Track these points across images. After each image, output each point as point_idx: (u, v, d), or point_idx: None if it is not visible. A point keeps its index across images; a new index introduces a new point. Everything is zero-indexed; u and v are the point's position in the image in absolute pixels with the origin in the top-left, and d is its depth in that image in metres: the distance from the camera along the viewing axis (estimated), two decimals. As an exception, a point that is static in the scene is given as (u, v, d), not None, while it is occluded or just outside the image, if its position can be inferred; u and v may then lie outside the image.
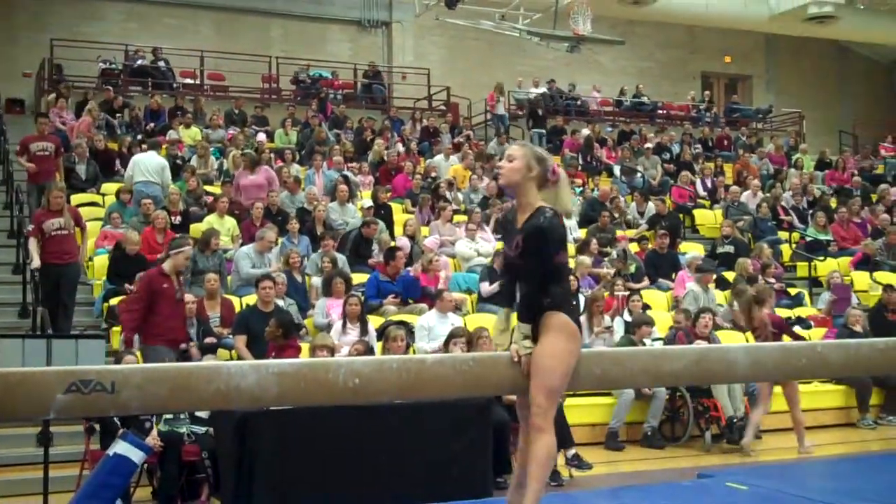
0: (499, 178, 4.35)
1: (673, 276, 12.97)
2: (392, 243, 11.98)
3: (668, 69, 26.17)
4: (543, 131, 20.48)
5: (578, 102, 22.95)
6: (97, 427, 6.96)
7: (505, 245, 4.35)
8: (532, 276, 4.12)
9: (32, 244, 9.79)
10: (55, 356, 6.57)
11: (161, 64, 19.82)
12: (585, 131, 19.95)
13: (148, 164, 12.73)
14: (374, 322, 9.97)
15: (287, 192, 13.56)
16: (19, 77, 19.63)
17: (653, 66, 26.12)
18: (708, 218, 16.74)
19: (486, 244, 12.72)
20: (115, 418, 6.48)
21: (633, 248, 13.57)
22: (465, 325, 10.04)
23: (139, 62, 19.83)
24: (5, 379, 3.43)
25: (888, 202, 17.62)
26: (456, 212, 14.04)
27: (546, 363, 4.03)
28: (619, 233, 14.07)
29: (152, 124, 16.71)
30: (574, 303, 4.35)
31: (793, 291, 13.74)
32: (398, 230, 13.04)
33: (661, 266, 13.26)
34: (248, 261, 10.85)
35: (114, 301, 9.91)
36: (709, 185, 17.79)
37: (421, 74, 22.79)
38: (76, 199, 12.66)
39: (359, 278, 11.18)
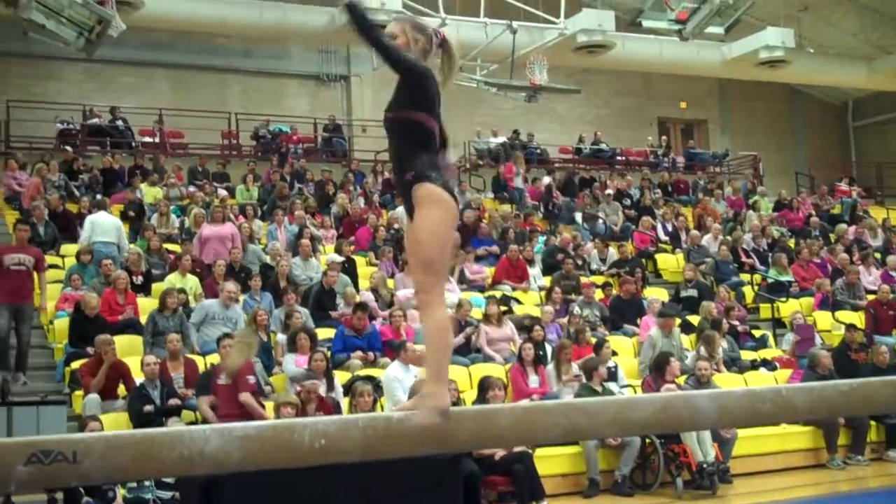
0: None
1: (638, 321, 13.02)
2: (356, 297, 11.93)
3: (624, 116, 26.48)
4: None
5: (538, 150, 23.14)
6: (59, 497, 6.82)
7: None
8: (395, 145, 3.99)
9: None
10: (16, 424, 6.45)
11: (119, 123, 19.74)
12: (546, 179, 20.10)
13: (104, 225, 12.69)
14: (340, 377, 9.90)
15: (250, 246, 13.51)
16: None
17: (610, 112, 26.43)
18: (670, 262, 16.86)
19: (452, 295, 12.69)
20: (79, 487, 6.36)
21: (598, 294, 13.62)
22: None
23: (97, 121, 19.74)
24: (-38, 452, 3.35)
25: (846, 241, 17.86)
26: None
27: (418, 236, 3.89)
28: (582, 279, 14.12)
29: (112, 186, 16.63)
30: (440, 170, 4.01)
31: (757, 333, 13.85)
32: (363, 283, 13.00)
33: (625, 311, 13.31)
34: (210, 313, 10.78)
35: (75, 365, 9.76)
36: (670, 229, 17.94)
37: (381, 126, 22.64)
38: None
39: (323, 333, 11.11)
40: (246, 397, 8.75)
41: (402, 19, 4.15)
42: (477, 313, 12.13)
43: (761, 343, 13.46)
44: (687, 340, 12.36)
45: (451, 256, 13.61)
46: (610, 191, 19.59)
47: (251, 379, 9.00)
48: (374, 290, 12.53)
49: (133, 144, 19.75)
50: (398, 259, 13.80)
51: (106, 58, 18.53)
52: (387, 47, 3.94)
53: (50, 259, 13.05)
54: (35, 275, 10.33)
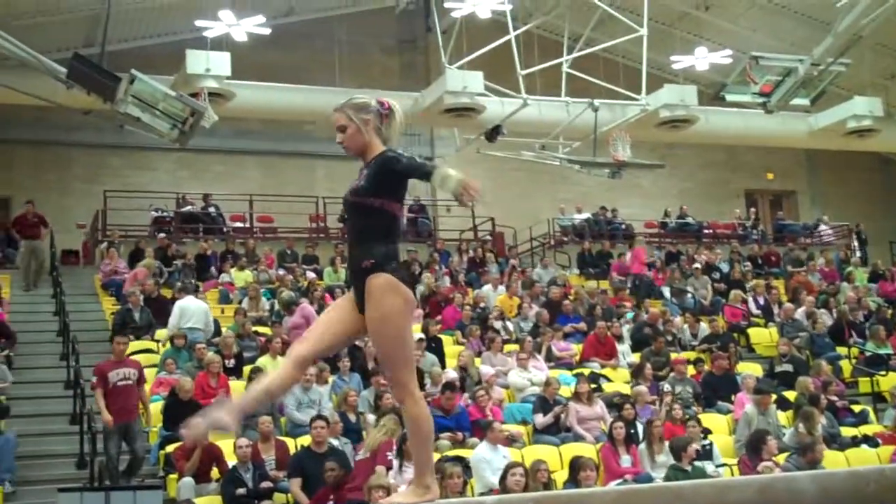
0: (345, 151, 4.07)
1: (732, 397, 12.73)
2: (443, 376, 11.93)
3: (710, 188, 26.26)
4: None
5: (623, 226, 23.03)
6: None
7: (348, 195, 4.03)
8: (358, 230, 3.94)
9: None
10: (113, 509, 6.56)
11: (211, 209, 20.30)
12: (630, 254, 19.95)
13: (192, 309, 12.99)
14: (429, 459, 9.84)
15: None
16: (73, 228, 20.21)
17: (695, 185, 26.25)
18: (763, 336, 16.50)
19: (539, 373, 12.62)
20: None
21: (689, 370, 13.37)
22: (522, 457, 9.90)
23: (190, 208, 20.34)
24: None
25: (947, 311, 17.28)
26: (506, 341, 14.00)
27: (374, 332, 3.84)
28: (673, 355, 13.89)
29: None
30: (399, 263, 4.00)
31: (857, 408, 13.39)
32: (450, 362, 13.00)
33: (718, 388, 13.03)
34: (293, 398, 10.82)
35: (169, 448, 9.91)
36: (761, 302, 17.59)
37: (465, 206, 23.04)
38: (132, 346, 12.83)
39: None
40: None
41: (343, 107, 4.07)
42: (565, 391, 12.00)
43: (861, 418, 13.00)
44: (783, 417, 12.03)
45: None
46: (698, 265, 19.35)
47: (389, 455, 9.10)
48: (463, 369, 12.50)
49: (224, 230, 20.25)
50: (484, 338, 13.79)
51: (198, 147, 19.12)
52: (416, 168, 3.94)
53: (145, 343, 13.39)
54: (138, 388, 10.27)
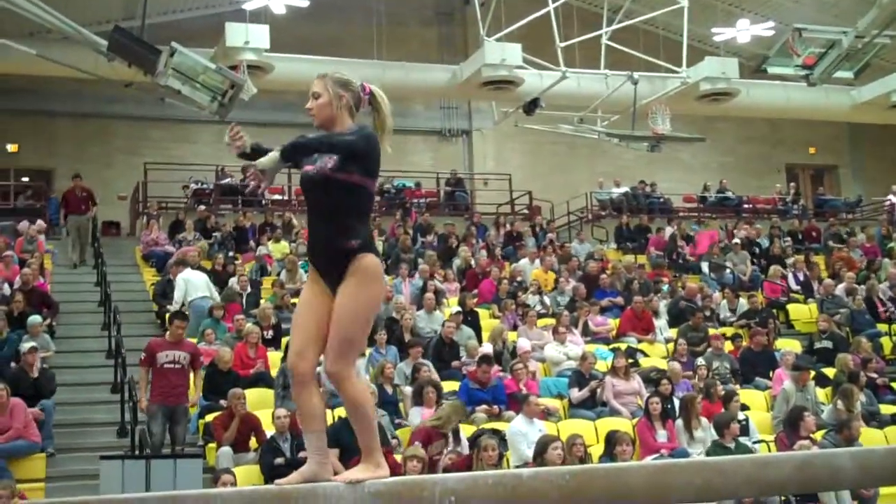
0: (312, 119, 4.01)
1: (770, 373, 12.65)
2: (478, 349, 11.96)
3: (751, 163, 26.00)
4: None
5: (661, 200, 22.86)
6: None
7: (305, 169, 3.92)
8: (336, 209, 3.80)
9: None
10: (154, 477, 6.65)
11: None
12: (670, 229, 19.84)
13: (195, 282, 13.16)
14: (465, 431, 9.90)
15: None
16: (115, 200, 20.42)
17: (735, 160, 25.99)
18: (803, 313, 16.36)
19: (575, 347, 12.61)
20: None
21: (727, 346, 13.29)
22: (558, 431, 9.91)
23: (229, 181, 20.46)
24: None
25: None
26: (542, 315, 13.99)
27: (344, 313, 3.72)
28: (711, 331, 13.82)
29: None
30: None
31: (896, 386, 13.27)
32: (485, 336, 13.03)
33: (756, 364, 12.95)
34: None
35: (209, 418, 10.02)
36: (801, 278, 17.43)
37: (502, 180, 23.04)
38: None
39: (445, 386, 11.15)
40: None
41: (325, 76, 4.03)
42: (601, 366, 11.99)
43: (901, 396, 12.88)
44: (822, 394, 11.93)
45: (577, 308, 13.43)
46: (737, 240, 19.19)
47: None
48: (496, 343, 12.53)
49: (263, 202, 20.36)
50: (521, 312, 13.80)
51: (237, 119, 18.97)
52: (321, 140, 3.84)
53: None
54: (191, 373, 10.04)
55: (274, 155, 3.84)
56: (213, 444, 9.68)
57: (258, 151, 3.94)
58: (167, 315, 11.83)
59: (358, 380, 3.90)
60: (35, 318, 11.77)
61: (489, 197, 22.85)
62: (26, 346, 10.82)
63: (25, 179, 22.17)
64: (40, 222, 17.09)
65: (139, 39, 13.16)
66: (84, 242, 16.47)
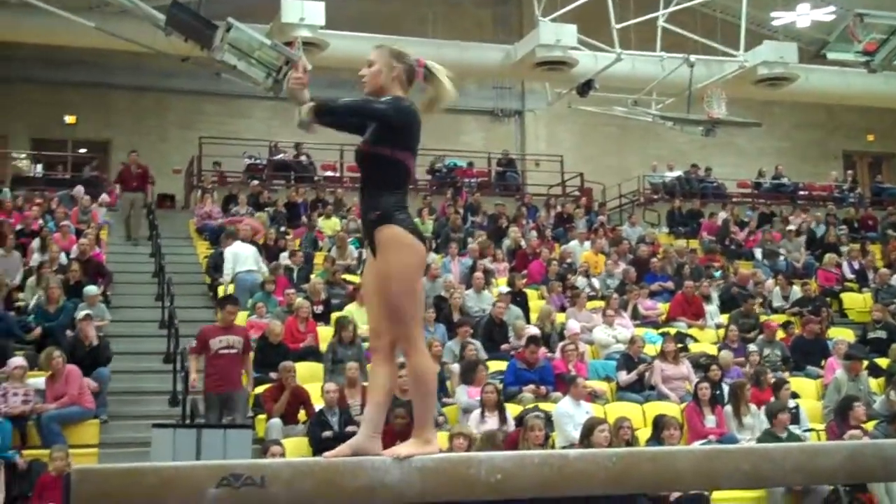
0: (362, 87, 4.00)
1: (822, 362, 12.50)
2: (525, 329, 11.96)
3: (807, 149, 25.62)
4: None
5: (715, 185, 22.61)
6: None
7: None
8: (369, 182, 3.86)
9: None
10: (204, 446, 6.75)
11: (303, 158, 20.55)
12: (724, 214, 19.64)
13: (243, 255, 13.22)
14: (511, 410, 9.92)
15: (425, 279, 13.72)
16: (170, 173, 20.67)
17: (791, 146, 25.63)
18: (857, 302, 16.12)
19: (625, 331, 12.56)
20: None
21: (779, 334, 13.15)
22: (605, 414, 9.90)
23: (282, 157, 20.61)
24: (159, 473, 3.55)
25: None
26: (591, 297, 13.95)
27: (383, 284, 3.77)
28: (763, 318, 13.67)
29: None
30: (407, 212, 3.90)
31: (953, 379, 13.03)
32: (534, 317, 13.01)
33: (808, 352, 12.80)
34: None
35: (259, 390, 10.15)
36: (856, 267, 17.17)
37: (554, 161, 22.94)
38: (222, 290, 13.17)
39: (493, 365, 11.18)
40: None
41: (383, 47, 4.04)
42: (650, 349, 11.94)
43: (957, 389, 12.65)
44: (875, 384, 11.77)
45: (626, 291, 13.36)
46: (792, 227, 18.93)
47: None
48: (544, 324, 12.52)
49: (315, 178, 20.48)
50: (569, 293, 13.77)
51: (291, 96, 19.27)
52: (353, 104, 3.88)
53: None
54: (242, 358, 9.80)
55: (310, 106, 3.87)
56: (262, 416, 9.81)
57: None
58: (218, 294, 11.93)
59: (426, 353, 3.93)
60: (92, 288, 11.97)
61: (540, 178, 22.78)
62: (82, 314, 11.00)
63: (83, 151, 22.52)
64: (104, 196, 17.34)
65: (197, 14, 13.26)
66: (137, 219, 16.59)
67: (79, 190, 16.91)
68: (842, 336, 13.47)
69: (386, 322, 3.88)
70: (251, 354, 10.16)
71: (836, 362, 12.00)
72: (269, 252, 14.38)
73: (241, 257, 13.32)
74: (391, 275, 3.78)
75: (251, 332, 11.33)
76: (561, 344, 11.67)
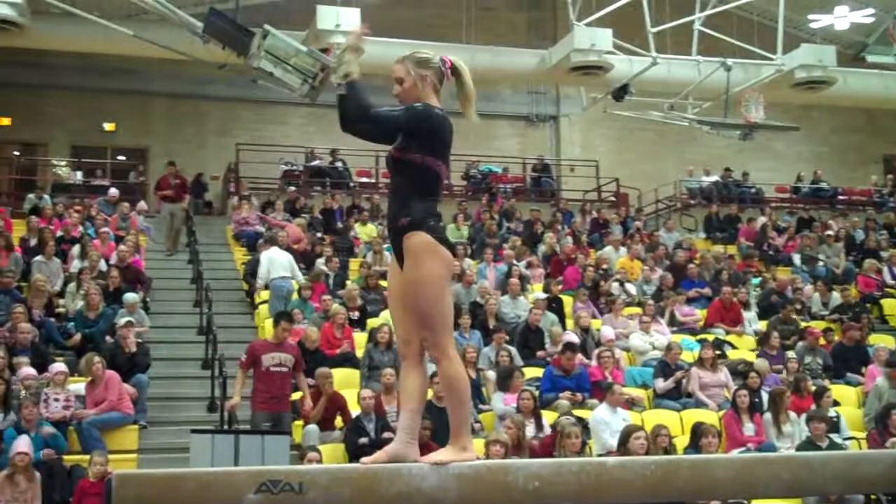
0: (400, 104, 3.95)
1: (862, 369, 12.35)
2: (561, 335, 11.91)
3: (846, 153, 25.35)
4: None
5: (753, 190, 22.42)
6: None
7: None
8: (398, 188, 3.84)
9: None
10: (242, 452, 6.79)
11: (339, 164, 20.64)
12: (762, 219, 19.47)
13: (279, 261, 13.27)
14: (548, 417, 9.89)
15: (461, 285, 13.73)
16: (208, 180, 20.86)
17: (830, 150, 25.38)
18: (898, 308, 15.93)
19: (662, 337, 12.48)
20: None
21: (820, 340, 13.01)
22: (642, 421, 9.84)
23: (318, 163, 20.70)
24: (199, 479, 3.58)
25: None
26: (628, 304, 13.87)
27: (411, 292, 3.75)
28: (802, 324, 13.54)
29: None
30: (438, 220, 3.86)
31: None
32: (570, 323, 12.97)
33: (849, 359, 12.65)
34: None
35: (295, 396, 10.18)
36: (897, 272, 16.96)
37: (589, 166, 22.87)
38: (261, 296, 13.25)
39: (529, 372, 11.15)
40: None
41: (405, 58, 3.98)
42: (687, 356, 11.85)
43: None
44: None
45: (663, 298, 13.26)
46: (831, 232, 18.74)
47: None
48: (584, 331, 12.45)
49: (351, 185, 20.56)
50: (606, 301, 13.70)
51: (327, 102, 19.17)
52: (383, 117, 3.84)
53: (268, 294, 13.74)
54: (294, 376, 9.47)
55: (349, 76, 3.91)
56: (299, 422, 9.84)
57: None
58: (254, 301, 11.90)
59: (456, 360, 3.90)
60: (132, 296, 12.03)
61: (576, 183, 22.70)
62: (122, 320, 11.10)
63: (121, 158, 22.76)
64: (142, 203, 17.48)
65: (233, 22, 13.36)
66: (177, 232, 16.61)
67: (113, 192, 17.04)
68: (882, 343, 13.29)
69: (414, 329, 3.87)
70: (302, 373, 9.65)
71: (876, 369, 11.84)
72: (305, 258, 14.45)
73: (276, 263, 13.36)
74: (420, 282, 3.76)
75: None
76: (597, 350, 11.63)
